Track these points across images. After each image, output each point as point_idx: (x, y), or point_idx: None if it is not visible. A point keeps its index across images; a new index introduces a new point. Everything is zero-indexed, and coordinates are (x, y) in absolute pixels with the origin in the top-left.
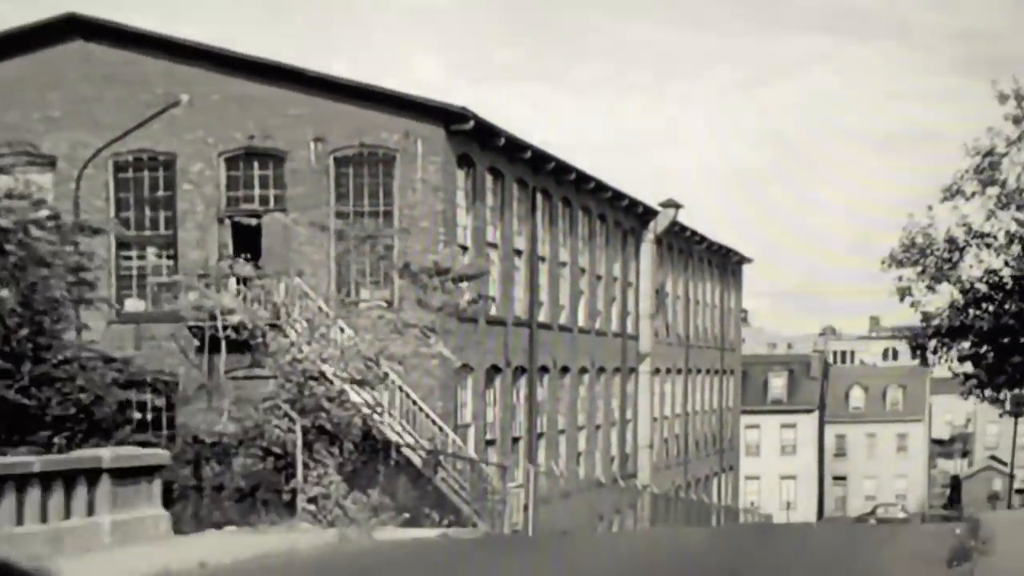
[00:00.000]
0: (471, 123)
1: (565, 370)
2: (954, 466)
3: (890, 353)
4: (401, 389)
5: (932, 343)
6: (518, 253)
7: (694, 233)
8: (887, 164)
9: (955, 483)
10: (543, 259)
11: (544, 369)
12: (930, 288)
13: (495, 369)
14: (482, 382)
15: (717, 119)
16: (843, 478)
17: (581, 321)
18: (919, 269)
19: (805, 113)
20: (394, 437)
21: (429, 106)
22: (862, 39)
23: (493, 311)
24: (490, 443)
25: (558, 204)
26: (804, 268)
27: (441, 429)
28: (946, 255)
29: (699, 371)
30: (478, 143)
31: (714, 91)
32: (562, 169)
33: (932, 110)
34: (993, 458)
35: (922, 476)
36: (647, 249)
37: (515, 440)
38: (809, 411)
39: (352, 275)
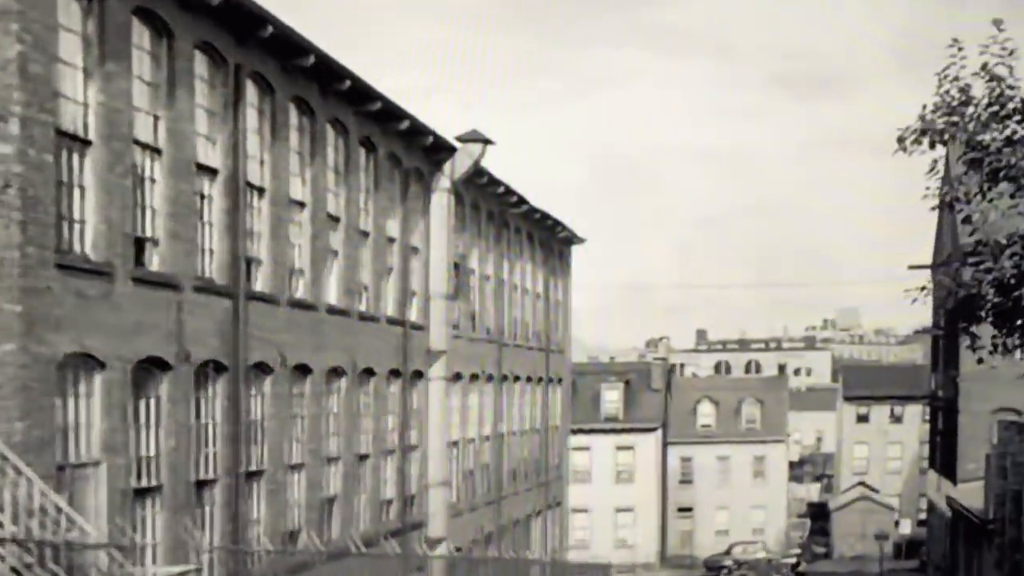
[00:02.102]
0: None
1: (304, 370)
2: (806, 491)
3: (722, 367)
4: None
5: (988, 305)
6: (208, 171)
7: (509, 191)
8: (704, 175)
9: (818, 513)
10: (259, 190)
11: (262, 368)
12: (989, 182)
13: (158, 364)
14: (125, 387)
15: (537, 130)
16: (690, 509)
17: (333, 297)
18: (961, 146)
19: (624, 125)
20: None
21: None
22: (683, 55)
23: (155, 265)
24: (143, 493)
25: (287, 105)
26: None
27: (19, 472)
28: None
29: (517, 378)
30: None
31: (534, 102)
32: (293, 48)
33: (746, 124)
34: (864, 484)
35: (782, 507)
36: (441, 202)
37: (201, 486)
38: (650, 430)
39: None
